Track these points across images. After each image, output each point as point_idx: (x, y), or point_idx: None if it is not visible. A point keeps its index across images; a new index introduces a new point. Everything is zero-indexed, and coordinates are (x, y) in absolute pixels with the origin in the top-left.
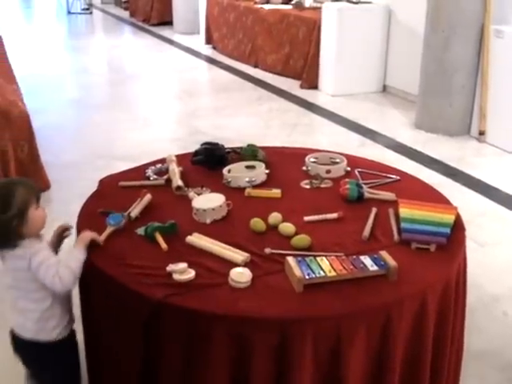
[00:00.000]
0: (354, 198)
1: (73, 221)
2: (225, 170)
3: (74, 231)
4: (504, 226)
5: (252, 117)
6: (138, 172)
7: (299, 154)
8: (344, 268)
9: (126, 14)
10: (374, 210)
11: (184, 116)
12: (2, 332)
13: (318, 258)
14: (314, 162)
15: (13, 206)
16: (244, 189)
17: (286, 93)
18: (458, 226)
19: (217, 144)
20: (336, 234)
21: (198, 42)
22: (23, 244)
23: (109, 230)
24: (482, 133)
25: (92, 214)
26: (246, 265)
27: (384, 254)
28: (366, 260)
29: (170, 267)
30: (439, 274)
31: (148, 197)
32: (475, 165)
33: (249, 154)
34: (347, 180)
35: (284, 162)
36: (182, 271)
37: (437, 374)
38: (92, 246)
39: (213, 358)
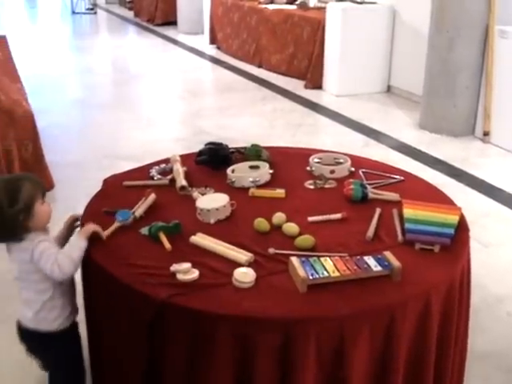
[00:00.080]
0: (357, 199)
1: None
2: (229, 170)
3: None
4: (508, 226)
5: (256, 117)
6: (142, 172)
7: (303, 154)
8: (348, 268)
9: (130, 14)
10: (378, 210)
11: (188, 116)
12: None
13: (322, 259)
14: (318, 162)
15: (19, 200)
16: (248, 189)
17: (290, 93)
18: (462, 227)
19: (221, 144)
20: (340, 235)
21: (203, 42)
22: (29, 237)
23: (115, 225)
24: (486, 133)
25: (96, 213)
26: (249, 265)
27: (388, 254)
28: (370, 260)
29: (174, 267)
30: (443, 275)
31: (152, 196)
32: (479, 165)
33: (253, 154)
34: (351, 180)
35: (288, 162)
36: (186, 271)
37: (441, 374)
38: (95, 243)
39: (216, 358)
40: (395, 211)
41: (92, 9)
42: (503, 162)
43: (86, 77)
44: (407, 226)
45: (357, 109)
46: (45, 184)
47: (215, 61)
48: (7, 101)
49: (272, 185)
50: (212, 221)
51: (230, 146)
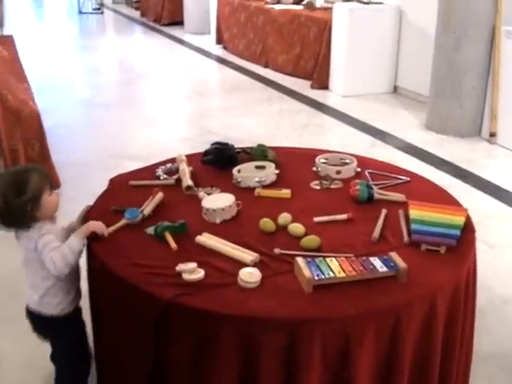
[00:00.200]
0: (363, 199)
1: None
2: (235, 170)
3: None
4: None
5: (262, 117)
6: (148, 171)
7: (309, 155)
8: (353, 269)
9: (137, 14)
10: (384, 211)
11: (194, 116)
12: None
13: (328, 259)
14: (324, 162)
15: (27, 191)
16: (254, 189)
17: (296, 93)
18: (468, 228)
19: (227, 144)
20: (346, 235)
21: (209, 41)
22: (36, 226)
23: (121, 223)
24: (492, 134)
25: (102, 212)
26: (255, 265)
27: (394, 255)
28: (376, 261)
29: (180, 267)
30: (449, 276)
31: (160, 195)
32: (485, 166)
33: (259, 154)
34: (357, 181)
35: (294, 163)
36: (192, 271)
37: (446, 375)
38: (101, 242)
39: (221, 358)
40: (401, 212)
41: (99, 8)
42: (509, 162)
43: (93, 77)
44: (413, 226)
45: (363, 109)
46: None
47: (221, 61)
48: (14, 100)
49: (278, 185)
50: (218, 221)
51: (236, 146)
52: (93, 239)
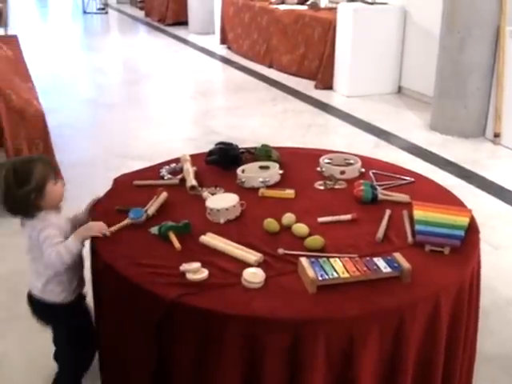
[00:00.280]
0: (368, 200)
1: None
2: (239, 170)
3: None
4: None
5: (266, 117)
6: (153, 171)
7: (313, 155)
8: (357, 269)
9: (141, 14)
10: (388, 211)
11: (198, 116)
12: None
13: (332, 259)
14: (329, 162)
15: (31, 180)
16: (258, 189)
17: (300, 93)
18: (472, 229)
19: (231, 144)
20: (350, 236)
21: (213, 42)
22: (40, 216)
23: (124, 222)
24: (496, 135)
25: (106, 212)
26: (259, 265)
27: (398, 255)
28: (380, 262)
29: (184, 267)
30: (453, 277)
31: (164, 195)
32: (490, 167)
33: (263, 154)
34: (361, 181)
35: (298, 163)
36: (196, 271)
37: (449, 376)
38: (105, 242)
39: (225, 359)
40: (405, 212)
41: (103, 8)
42: None
43: (97, 76)
44: (417, 227)
45: (367, 109)
46: None
47: (226, 61)
48: (18, 100)
49: (282, 185)
50: (222, 221)
51: (240, 146)
52: (96, 238)
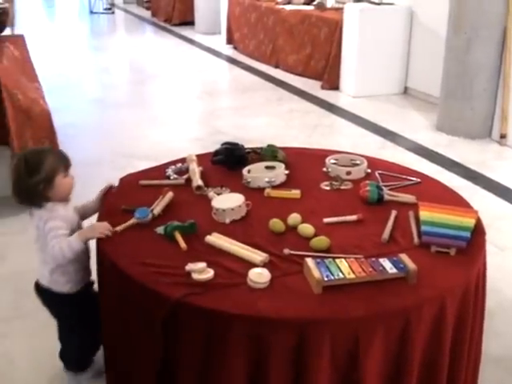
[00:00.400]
0: (374, 200)
1: (92, 219)
2: (244, 170)
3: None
4: None
5: (272, 117)
6: (159, 171)
7: (319, 155)
8: (363, 270)
9: (147, 14)
10: (394, 212)
11: (204, 116)
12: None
13: (337, 260)
14: (335, 163)
15: (41, 171)
16: (263, 189)
17: (306, 94)
18: (478, 230)
19: (237, 144)
20: (355, 236)
21: (219, 42)
22: (47, 206)
23: (130, 222)
24: (503, 136)
25: (112, 211)
26: (264, 265)
27: (403, 256)
28: (386, 263)
29: (189, 266)
30: (459, 278)
31: (170, 194)
32: (496, 168)
33: (269, 154)
34: (367, 182)
35: (304, 163)
36: (201, 271)
37: (454, 378)
38: (110, 241)
39: (230, 359)
40: (411, 213)
41: (110, 8)
42: None
43: (103, 76)
44: (423, 228)
45: (373, 110)
46: None
47: (232, 61)
48: (25, 99)
49: (288, 185)
50: (227, 221)
51: (245, 146)
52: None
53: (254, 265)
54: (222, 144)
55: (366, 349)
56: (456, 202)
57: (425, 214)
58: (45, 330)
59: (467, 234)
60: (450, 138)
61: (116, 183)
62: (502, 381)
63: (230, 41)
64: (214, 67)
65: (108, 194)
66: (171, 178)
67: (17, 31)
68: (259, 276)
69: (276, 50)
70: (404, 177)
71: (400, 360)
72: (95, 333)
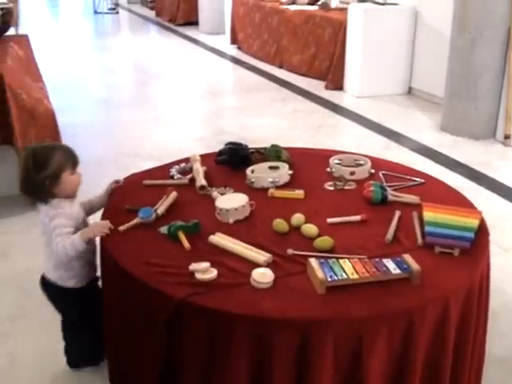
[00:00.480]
0: (377, 201)
1: (96, 218)
2: (248, 171)
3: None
4: None
5: (276, 117)
6: (162, 171)
7: (323, 156)
8: (367, 271)
9: (152, 14)
10: (398, 212)
11: (208, 116)
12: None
13: (341, 260)
14: (338, 163)
15: (48, 167)
16: (267, 189)
17: (310, 94)
18: (482, 231)
19: (241, 144)
20: (359, 237)
21: (224, 42)
22: (53, 203)
23: (134, 221)
24: (507, 136)
25: (116, 211)
26: (268, 265)
27: (407, 257)
28: (389, 263)
29: (193, 266)
30: (462, 279)
31: (174, 194)
32: (500, 168)
33: (272, 154)
34: (371, 182)
35: (308, 163)
36: (205, 270)
37: (457, 378)
38: (114, 241)
39: (233, 359)
40: (415, 214)
41: (114, 8)
42: None
43: (108, 76)
44: (427, 229)
45: (378, 110)
46: None
47: (236, 61)
48: (29, 99)
49: (291, 185)
50: (231, 221)
51: (249, 146)
52: (106, 236)
53: (257, 265)
54: (226, 144)
55: (369, 349)
56: (460, 202)
57: (428, 214)
58: (48, 330)
59: (471, 235)
60: (454, 139)
61: (122, 179)
62: (505, 381)
63: (234, 41)
64: (218, 67)
65: (115, 189)
66: (175, 177)
67: (21, 31)
68: (263, 276)
69: (280, 50)
70: (408, 177)
71: (403, 360)
72: (100, 328)
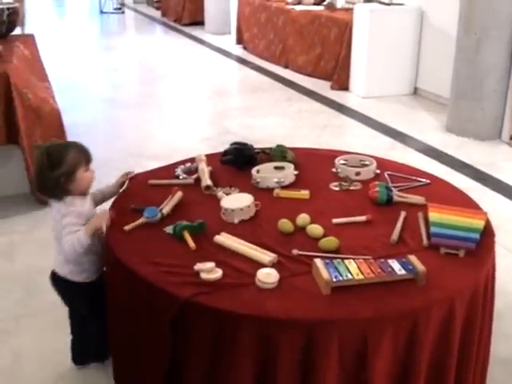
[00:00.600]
0: (383, 201)
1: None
2: (253, 171)
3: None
4: None
5: (282, 117)
6: (168, 171)
7: (329, 156)
8: (372, 271)
9: (157, 14)
10: (403, 213)
11: (214, 116)
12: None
13: (346, 261)
14: (344, 163)
15: (63, 165)
16: (272, 189)
17: (316, 94)
18: (487, 232)
19: (246, 144)
20: (364, 237)
21: (229, 42)
22: (66, 200)
23: (139, 221)
24: None
25: (121, 210)
26: (273, 265)
27: (412, 258)
28: (394, 264)
29: (198, 266)
30: (468, 280)
31: (179, 194)
32: (505, 169)
33: (278, 154)
34: (377, 183)
35: (313, 164)
36: (210, 270)
37: (462, 379)
38: (119, 240)
39: (238, 359)
40: (420, 214)
41: (120, 8)
42: None
43: (113, 76)
44: (432, 229)
45: (383, 111)
46: None
47: (241, 61)
48: (35, 99)
49: (297, 186)
50: (236, 221)
51: (255, 147)
52: (111, 236)
53: (262, 265)
54: (231, 144)
55: (374, 349)
56: (465, 203)
57: (434, 215)
58: (53, 328)
59: (476, 236)
60: (460, 139)
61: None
62: (510, 383)
63: (239, 41)
64: (223, 67)
65: (123, 183)
66: (180, 177)
67: (27, 31)
68: (267, 276)
69: (286, 51)
70: (413, 178)
71: (408, 361)
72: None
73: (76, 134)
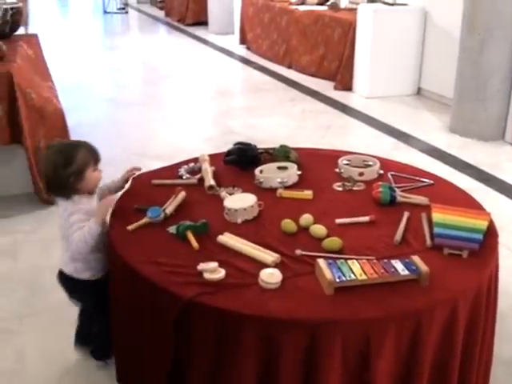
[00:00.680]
0: (386, 202)
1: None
2: (257, 171)
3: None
4: None
5: (285, 118)
6: (171, 171)
7: (332, 156)
8: (375, 272)
9: (161, 14)
10: (407, 214)
11: (217, 116)
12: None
13: (349, 261)
14: (347, 164)
15: (73, 164)
16: (276, 189)
17: (319, 94)
18: (490, 233)
19: (249, 144)
20: (368, 238)
21: (233, 42)
22: (74, 199)
23: (143, 221)
24: None
25: (125, 210)
26: (276, 266)
27: (416, 258)
28: (398, 264)
29: (201, 266)
30: (471, 281)
31: (182, 194)
32: (509, 170)
33: (281, 154)
34: (380, 183)
35: (316, 164)
36: (213, 270)
37: (465, 380)
38: (123, 240)
39: (241, 359)
40: (424, 215)
41: (123, 8)
42: None
43: (117, 76)
44: (436, 230)
45: (387, 111)
46: None
47: (245, 61)
48: (38, 99)
49: (300, 186)
50: (239, 221)
51: (258, 147)
52: (115, 236)
53: (265, 265)
54: (235, 144)
55: (377, 350)
56: (469, 204)
57: (437, 215)
58: (56, 328)
59: (480, 237)
60: (464, 140)
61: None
62: None
63: (243, 41)
64: (227, 67)
65: (128, 178)
66: (184, 177)
67: (30, 30)
68: (271, 276)
69: (289, 51)
70: (417, 178)
71: (411, 361)
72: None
73: (79, 133)
